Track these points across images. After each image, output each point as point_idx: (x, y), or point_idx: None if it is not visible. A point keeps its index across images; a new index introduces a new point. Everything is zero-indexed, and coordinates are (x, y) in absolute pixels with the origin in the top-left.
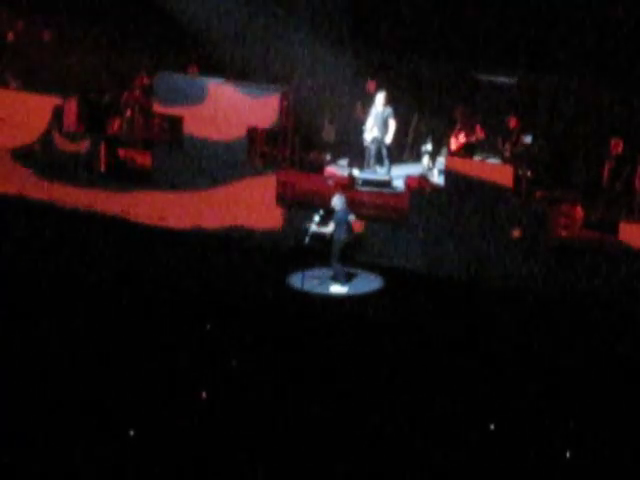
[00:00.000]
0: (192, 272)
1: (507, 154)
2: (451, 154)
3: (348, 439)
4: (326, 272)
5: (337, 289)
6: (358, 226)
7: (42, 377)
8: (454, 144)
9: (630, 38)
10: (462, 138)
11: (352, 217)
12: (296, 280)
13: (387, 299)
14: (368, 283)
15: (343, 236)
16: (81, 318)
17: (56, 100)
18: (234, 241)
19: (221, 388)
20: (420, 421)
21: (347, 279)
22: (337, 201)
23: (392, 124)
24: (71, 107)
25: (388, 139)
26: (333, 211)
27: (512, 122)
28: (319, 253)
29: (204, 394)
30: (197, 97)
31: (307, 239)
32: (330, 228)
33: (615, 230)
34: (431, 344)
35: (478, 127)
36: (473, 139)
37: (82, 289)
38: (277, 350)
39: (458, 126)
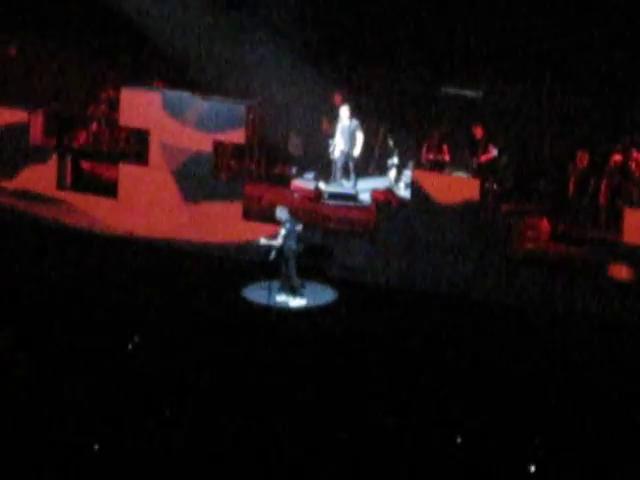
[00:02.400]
0: (157, 285)
1: (474, 166)
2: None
3: (313, 452)
4: (281, 284)
5: (295, 301)
6: None
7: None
8: (423, 158)
9: (598, 52)
10: (429, 155)
11: (299, 227)
12: (259, 293)
13: (344, 311)
14: (323, 296)
15: (293, 247)
16: (43, 326)
17: (22, 114)
18: (199, 254)
19: (187, 403)
20: (385, 434)
21: (303, 291)
22: (281, 213)
23: (359, 137)
24: (37, 121)
25: (355, 152)
26: (298, 224)
27: (478, 132)
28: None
29: (167, 411)
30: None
31: (273, 254)
32: (279, 241)
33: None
34: (395, 357)
35: (445, 148)
36: (440, 158)
37: (47, 299)
38: (234, 362)
39: (426, 143)
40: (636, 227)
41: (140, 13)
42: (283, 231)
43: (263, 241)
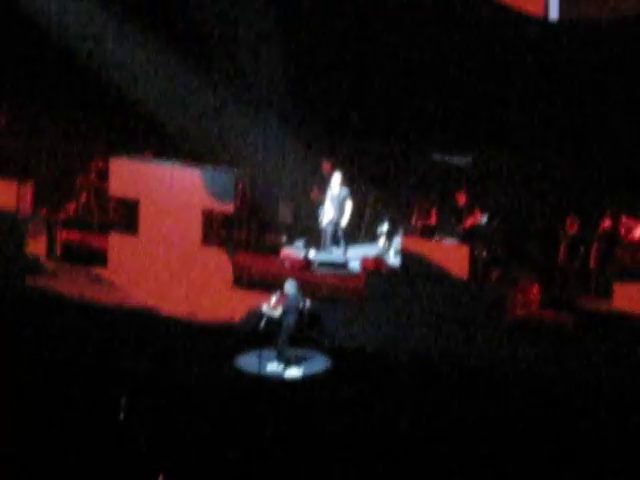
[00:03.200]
0: (147, 354)
1: (459, 232)
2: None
3: None
4: (275, 354)
5: (287, 372)
6: None
7: None
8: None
9: (584, 117)
10: (419, 222)
11: (307, 303)
12: (251, 363)
13: (339, 380)
14: (317, 365)
15: (292, 322)
16: (36, 397)
17: (11, 185)
18: (189, 323)
19: (179, 472)
20: None
21: (296, 362)
22: (289, 286)
23: (348, 205)
24: (27, 191)
25: (344, 221)
26: (304, 300)
27: (461, 199)
28: (272, 335)
29: (161, 477)
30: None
31: (262, 324)
32: (278, 312)
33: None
34: (386, 424)
35: (433, 212)
36: (429, 223)
37: (37, 368)
38: (227, 431)
39: (416, 211)
40: (625, 298)
41: (128, 83)
42: (273, 299)
43: (265, 308)
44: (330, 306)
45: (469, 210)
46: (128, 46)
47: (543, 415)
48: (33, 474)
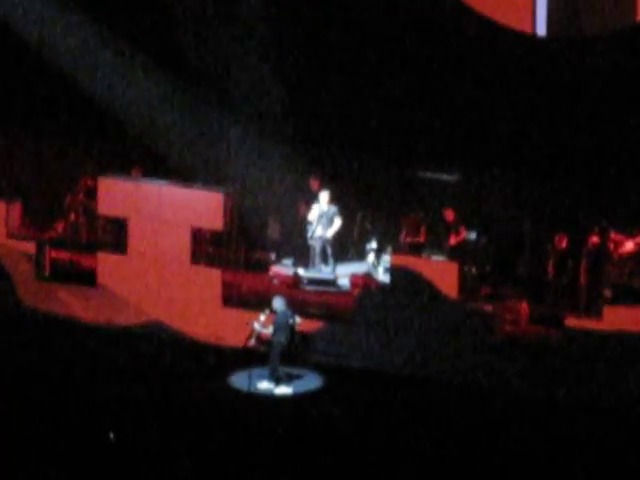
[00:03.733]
0: (138, 373)
1: (448, 248)
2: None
3: None
4: (267, 372)
5: (278, 390)
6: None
7: None
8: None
9: (572, 134)
10: (408, 239)
11: (297, 320)
12: (242, 381)
13: (331, 398)
14: (308, 383)
15: (283, 339)
16: (24, 417)
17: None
18: (179, 342)
19: None
20: None
21: (288, 380)
22: (277, 304)
23: (337, 222)
24: (15, 211)
25: (329, 234)
26: (294, 317)
27: (449, 216)
28: (263, 353)
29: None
30: None
31: (252, 341)
32: (269, 330)
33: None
34: (376, 443)
35: (422, 230)
36: (417, 240)
37: (25, 388)
38: (220, 450)
39: (404, 228)
40: (615, 316)
41: (116, 102)
42: (262, 317)
43: (256, 325)
44: (320, 323)
45: (455, 227)
46: (117, 65)
47: (532, 433)
48: None
